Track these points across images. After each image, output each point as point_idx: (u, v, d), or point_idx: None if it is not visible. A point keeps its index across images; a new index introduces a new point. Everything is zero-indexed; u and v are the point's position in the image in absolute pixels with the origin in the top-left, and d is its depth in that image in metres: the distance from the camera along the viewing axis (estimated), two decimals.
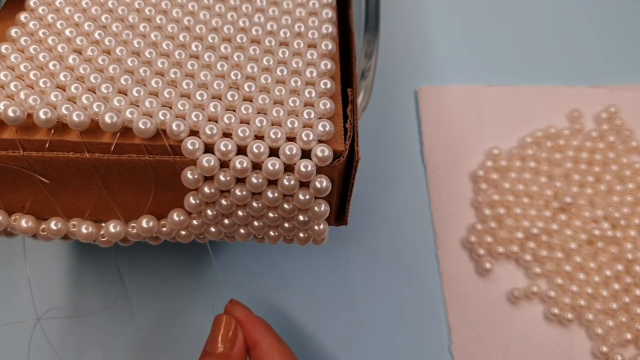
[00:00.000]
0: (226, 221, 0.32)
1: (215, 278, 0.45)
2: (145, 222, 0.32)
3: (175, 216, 0.32)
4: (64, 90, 0.30)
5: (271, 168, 0.29)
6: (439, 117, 0.55)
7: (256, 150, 0.29)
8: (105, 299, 0.44)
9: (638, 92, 0.57)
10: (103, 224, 0.33)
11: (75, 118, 0.28)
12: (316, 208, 0.31)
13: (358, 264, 0.47)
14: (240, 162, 0.29)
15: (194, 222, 0.32)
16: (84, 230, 0.32)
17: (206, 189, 0.30)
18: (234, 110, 0.30)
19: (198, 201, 0.31)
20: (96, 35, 0.33)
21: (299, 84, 0.32)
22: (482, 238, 0.48)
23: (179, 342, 0.43)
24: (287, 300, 0.45)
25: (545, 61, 0.59)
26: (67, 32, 0.33)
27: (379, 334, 0.45)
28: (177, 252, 0.46)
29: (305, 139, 0.29)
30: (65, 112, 0.29)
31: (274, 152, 0.30)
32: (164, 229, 0.32)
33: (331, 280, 0.46)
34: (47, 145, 0.29)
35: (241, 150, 0.29)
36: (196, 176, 0.29)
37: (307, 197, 0.30)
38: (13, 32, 0.33)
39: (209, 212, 0.31)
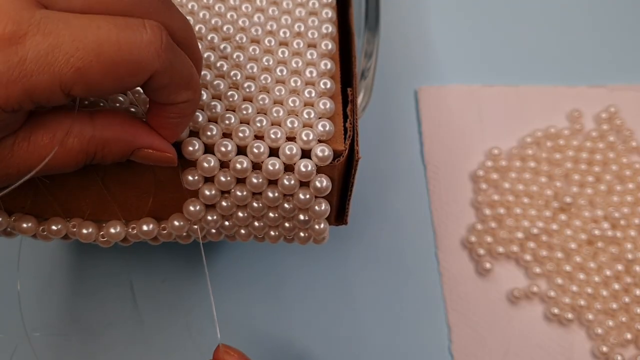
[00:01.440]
0: (227, 223, 0.32)
1: (215, 278, 0.45)
2: (145, 226, 0.32)
3: (176, 222, 0.32)
4: None
5: (271, 168, 0.29)
6: (439, 117, 0.55)
7: (256, 151, 0.29)
8: (110, 309, 0.44)
9: (638, 92, 0.57)
10: (104, 224, 0.33)
11: None
12: (316, 207, 0.31)
13: (358, 263, 0.47)
14: (240, 163, 0.29)
15: (194, 226, 0.32)
16: (84, 230, 0.32)
17: (206, 191, 0.30)
18: (234, 111, 0.30)
19: (198, 208, 0.31)
20: None
21: (298, 83, 0.32)
22: (482, 238, 0.48)
23: (178, 343, 0.43)
24: (287, 299, 0.45)
25: (545, 61, 0.59)
26: None
27: (379, 333, 0.45)
28: (178, 252, 0.46)
29: (305, 138, 0.29)
30: None
31: (274, 152, 0.30)
32: (164, 231, 0.32)
33: (331, 280, 0.46)
34: None
35: (241, 151, 0.29)
36: (196, 177, 0.29)
37: (308, 196, 0.30)
38: None
39: (209, 217, 0.31)
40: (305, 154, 0.30)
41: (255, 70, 0.32)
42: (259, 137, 0.30)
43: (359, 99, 0.44)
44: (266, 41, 0.34)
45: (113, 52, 0.22)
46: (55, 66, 0.22)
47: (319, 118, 0.30)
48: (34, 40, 0.21)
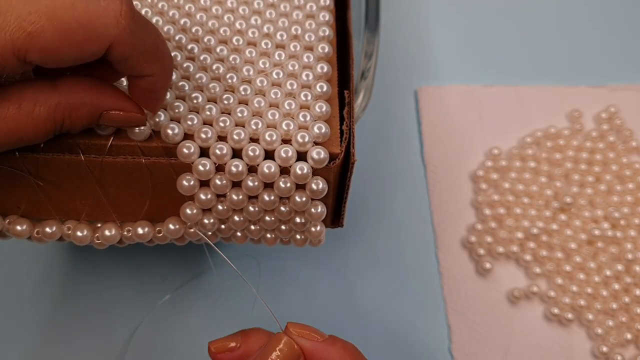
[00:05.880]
0: (223, 227, 0.32)
1: (213, 279, 0.45)
2: (140, 229, 0.32)
3: (171, 225, 0.32)
4: None
5: (267, 171, 0.29)
6: (439, 117, 0.55)
7: (251, 154, 0.29)
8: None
9: (638, 92, 0.57)
10: (98, 226, 0.33)
11: None
12: (313, 210, 0.31)
13: (358, 264, 0.47)
14: (235, 166, 0.29)
15: (190, 230, 0.32)
16: (78, 233, 0.32)
17: (202, 196, 0.30)
18: (229, 113, 0.30)
19: (195, 211, 0.31)
20: None
21: (294, 86, 0.32)
22: (482, 238, 0.48)
23: (178, 342, 0.43)
24: (287, 299, 0.46)
25: (545, 61, 0.59)
26: None
27: (379, 334, 0.45)
28: (178, 251, 0.46)
29: (300, 141, 0.29)
30: None
31: (269, 155, 0.30)
32: (159, 235, 0.33)
33: (331, 281, 0.46)
34: (41, 146, 0.29)
35: (236, 154, 0.30)
36: (192, 183, 0.29)
37: (304, 199, 0.30)
38: None
39: (206, 221, 0.31)
40: (301, 156, 0.30)
41: (251, 73, 0.32)
42: (254, 139, 0.30)
43: (359, 99, 0.44)
44: (263, 44, 0.34)
45: (67, 17, 0.21)
46: (6, 31, 0.21)
47: (315, 120, 0.30)
48: None
